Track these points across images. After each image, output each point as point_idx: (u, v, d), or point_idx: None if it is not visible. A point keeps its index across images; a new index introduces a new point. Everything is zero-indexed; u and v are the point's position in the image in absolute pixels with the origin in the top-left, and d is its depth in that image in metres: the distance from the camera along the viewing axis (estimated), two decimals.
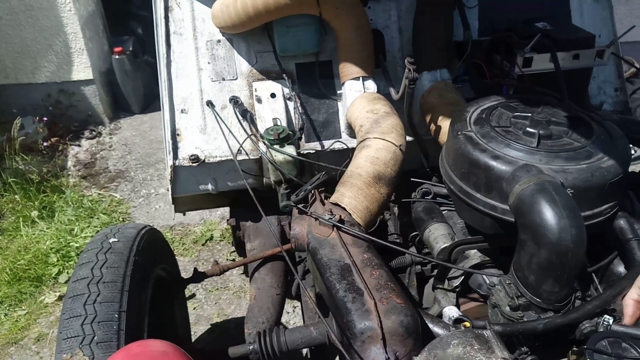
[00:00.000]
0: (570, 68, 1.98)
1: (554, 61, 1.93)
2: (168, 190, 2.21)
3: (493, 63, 2.08)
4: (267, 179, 2.09)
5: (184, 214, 3.18)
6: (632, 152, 1.66)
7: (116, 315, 1.45)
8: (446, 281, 1.60)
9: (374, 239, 1.48)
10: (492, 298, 1.35)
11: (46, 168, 4.21)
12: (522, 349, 1.27)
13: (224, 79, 2.14)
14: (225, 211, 3.73)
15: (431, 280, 1.72)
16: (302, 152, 2.09)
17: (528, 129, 1.44)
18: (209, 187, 2.18)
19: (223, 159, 2.09)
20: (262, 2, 1.86)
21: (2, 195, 3.90)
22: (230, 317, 2.99)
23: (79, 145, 4.81)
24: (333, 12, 1.92)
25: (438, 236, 1.61)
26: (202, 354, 1.73)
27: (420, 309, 1.44)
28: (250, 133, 2.04)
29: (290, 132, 2.03)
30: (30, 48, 4.68)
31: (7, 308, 3.08)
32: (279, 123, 2.07)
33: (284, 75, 2.13)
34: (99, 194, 4.14)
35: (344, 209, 1.58)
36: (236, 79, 2.14)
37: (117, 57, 5.07)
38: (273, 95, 2.12)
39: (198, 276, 2.16)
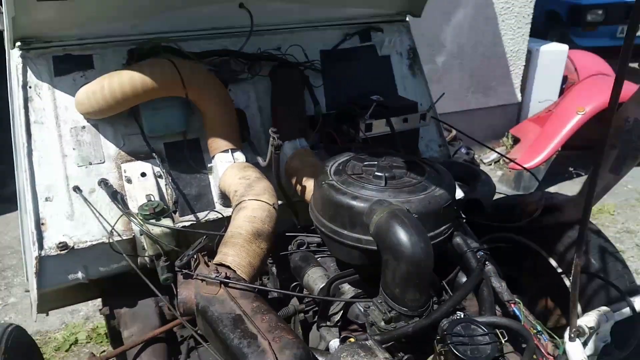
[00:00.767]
0: (402, 130, 2.41)
1: (389, 125, 2.35)
2: (27, 291, 2.05)
3: (341, 131, 2.43)
4: (142, 258, 2.09)
5: (47, 314, 2.92)
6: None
7: None
8: (328, 318, 1.75)
9: (260, 287, 1.60)
10: (369, 318, 1.53)
11: None
12: (400, 354, 1.45)
13: (90, 164, 2.14)
14: (89, 311, 3.52)
15: (314, 326, 1.85)
16: (177, 226, 2.15)
17: (377, 173, 1.73)
18: (79, 275, 2.08)
19: (94, 242, 2.05)
20: (130, 87, 1.99)
21: None
22: None
23: None
24: (198, 93, 2.12)
25: (316, 278, 1.78)
26: None
27: (310, 347, 1.56)
28: (124, 211, 2.05)
29: (165, 207, 2.09)
30: None
31: None
32: (152, 199, 2.11)
33: (154, 154, 2.21)
34: None
35: (228, 267, 1.68)
36: (104, 162, 2.17)
37: None
38: (143, 174, 2.18)
39: None
